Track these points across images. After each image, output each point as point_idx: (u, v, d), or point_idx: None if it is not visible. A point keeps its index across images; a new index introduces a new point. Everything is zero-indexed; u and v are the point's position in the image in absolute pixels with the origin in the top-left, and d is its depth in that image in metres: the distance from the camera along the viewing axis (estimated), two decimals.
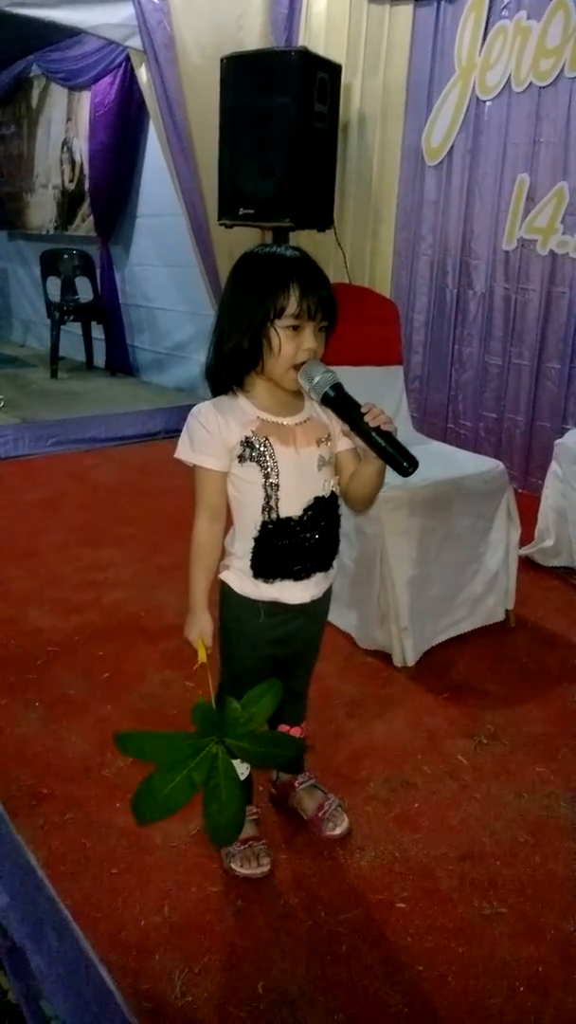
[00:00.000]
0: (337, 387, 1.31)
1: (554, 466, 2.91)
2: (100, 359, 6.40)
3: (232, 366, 1.35)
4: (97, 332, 6.35)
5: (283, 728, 1.64)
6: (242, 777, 1.36)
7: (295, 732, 1.65)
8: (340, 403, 1.31)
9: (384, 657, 2.32)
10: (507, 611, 2.55)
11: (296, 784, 1.71)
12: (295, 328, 1.30)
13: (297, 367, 1.32)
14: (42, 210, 6.93)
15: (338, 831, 1.65)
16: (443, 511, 2.29)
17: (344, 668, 2.29)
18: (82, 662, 2.28)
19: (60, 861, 1.56)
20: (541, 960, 1.39)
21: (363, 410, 1.30)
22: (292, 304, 1.28)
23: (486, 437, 3.92)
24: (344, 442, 1.42)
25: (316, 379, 1.30)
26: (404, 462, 1.28)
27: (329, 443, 1.40)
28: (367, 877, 1.56)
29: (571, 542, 2.88)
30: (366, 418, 1.29)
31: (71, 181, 6.41)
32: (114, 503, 3.64)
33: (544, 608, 2.71)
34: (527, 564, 2.91)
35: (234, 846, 1.54)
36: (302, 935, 1.42)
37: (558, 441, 2.93)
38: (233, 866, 1.54)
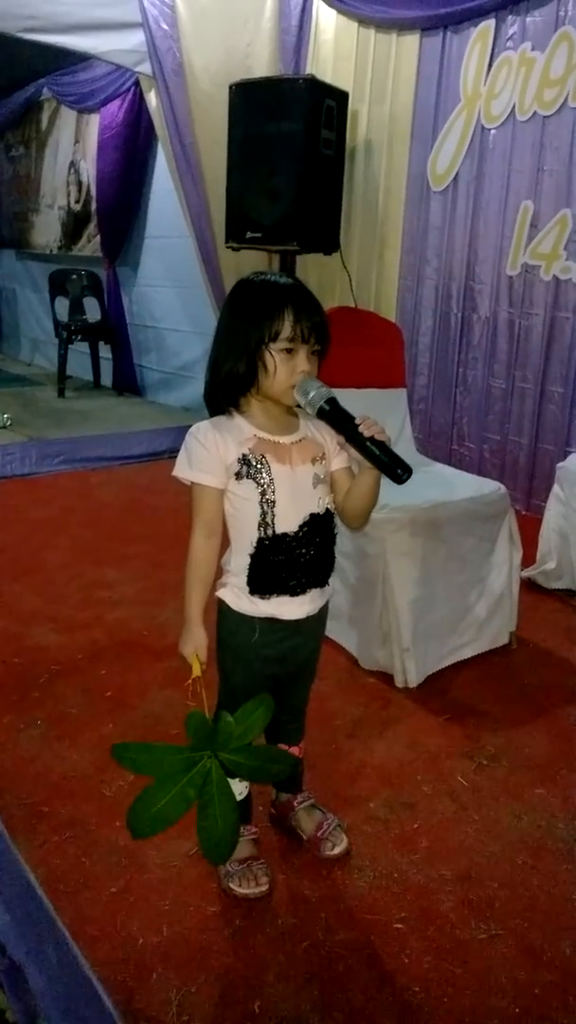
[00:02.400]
0: (332, 401, 1.35)
1: (556, 489, 2.92)
2: (107, 378, 6.45)
3: (228, 389, 1.39)
4: (104, 352, 6.41)
5: (281, 748, 1.65)
6: (240, 797, 1.36)
7: (293, 752, 1.66)
8: (335, 416, 1.35)
9: (386, 678, 2.33)
10: (509, 633, 2.56)
11: (295, 804, 1.71)
12: (289, 351, 1.34)
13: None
14: (47, 230, 7.02)
15: (337, 851, 1.65)
16: (445, 533, 2.31)
17: (346, 688, 2.29)
18: (85, 680, 2.29)
19: (59, 879, 1.57)
20: (538, 982, 1.39)
21: (356, 421, 1.33)
22: (286, 328, 1.32)
23: (490, 459, 3.94)
24: (339, 460, 1.46)
25: (311, 394, 1.34)
26: (398, 469, 1.31)
27: (324, 462, 1.44)
28: (365, 897, 1.56)
29: (573, 565, 2.89)
30: (360, 428, 1.33)
31: (77, 202, 6.50)
32: (119, 522, 3.66)
33: (546, 630, 2.71)
34: (529, 586, 2.92)
35: (232, 866, 1.55)
36: (299, 955, 1.43)
37: (560, 464, 2.96)
38: (231, 886, 1.54)
